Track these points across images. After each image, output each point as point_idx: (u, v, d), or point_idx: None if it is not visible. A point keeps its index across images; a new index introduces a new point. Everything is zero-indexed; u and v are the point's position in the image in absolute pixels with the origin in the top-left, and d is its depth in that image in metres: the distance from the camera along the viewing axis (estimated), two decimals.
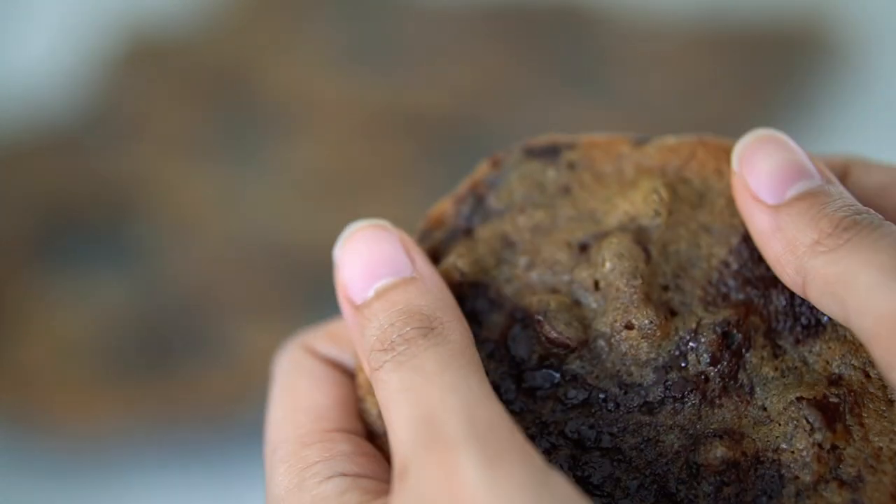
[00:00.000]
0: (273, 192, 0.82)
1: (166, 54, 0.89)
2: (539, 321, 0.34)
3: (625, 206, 0.35)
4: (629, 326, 0.33)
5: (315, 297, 0.77)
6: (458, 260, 0.35)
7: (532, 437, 0.33)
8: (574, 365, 0.34)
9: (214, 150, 0.84)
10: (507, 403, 0.33)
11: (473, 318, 0.34)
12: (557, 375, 0.33)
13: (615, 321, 0.33)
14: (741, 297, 0.34)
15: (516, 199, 0.36)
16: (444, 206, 0.37)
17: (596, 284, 0.34)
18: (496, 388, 0.34)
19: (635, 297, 0.33)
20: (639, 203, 0.34)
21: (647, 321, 0.33)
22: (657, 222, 0.34)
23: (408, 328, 0.31)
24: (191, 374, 0.73)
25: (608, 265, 0.34)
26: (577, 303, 0.34)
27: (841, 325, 0.33)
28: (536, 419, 0.33)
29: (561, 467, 0.33)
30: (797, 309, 0.34)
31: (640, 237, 0.34)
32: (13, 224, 0.80)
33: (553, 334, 0.33)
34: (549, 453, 0.33)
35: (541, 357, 0.34)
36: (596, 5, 0.92)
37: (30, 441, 0.71)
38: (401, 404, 0.30)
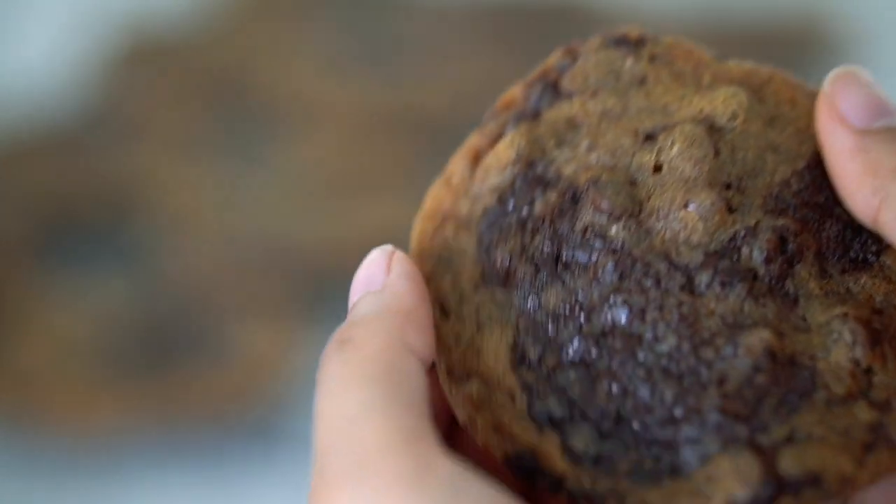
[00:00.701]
0: (273, 191, 0.82)
1: (166, 54, 0.90)
2: (589, 189, 0.34)
3: (701, 104, 0.35)
4: (687, 205, 0.33)
5: (315, 296, 0.77)
6: (516, 138, 0.35)
7: (567, 318, 0.33)
8: (620, 237, 0.34)
9: (215, 150, 0.84)
10: (543, 284, 0.34)
11: (526, 196, 0.35)
12: (600, 246, 0.34)
13: (674, 199, 0.33)
14: (798, 215, 0.34)
15: (589, 84, 0.36)
16: (514, 92, 0.37)
17: (657, 167, 0.34)
18: (535, 268, 0.34)
19: (700, 179, 0.34)
20: (717, 103, 0.35)
21: (708, 202, 0.33)
22: (732, 125, 0.35)
23: (334, 341, 0.31)
24: (191, 374, 0.73)
25: (676, 148, 0.34)
26: (632, 181, 0.34)
27: (887, 267, 0.34)
28: (572, 295, 0.34)
29: (596, 343, 0.33)
30: (848, 242, 0.34)
31: (713, 134, 0.34)
32: (13, 224, 0.80)
33: (602, 202, 0.34)
34: (581, 329, 0.33)
35: (586, 228, 0.34)
36: (596, 5, 0.92)
37: (30, 441, 0.71)
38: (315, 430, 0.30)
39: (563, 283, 0.34)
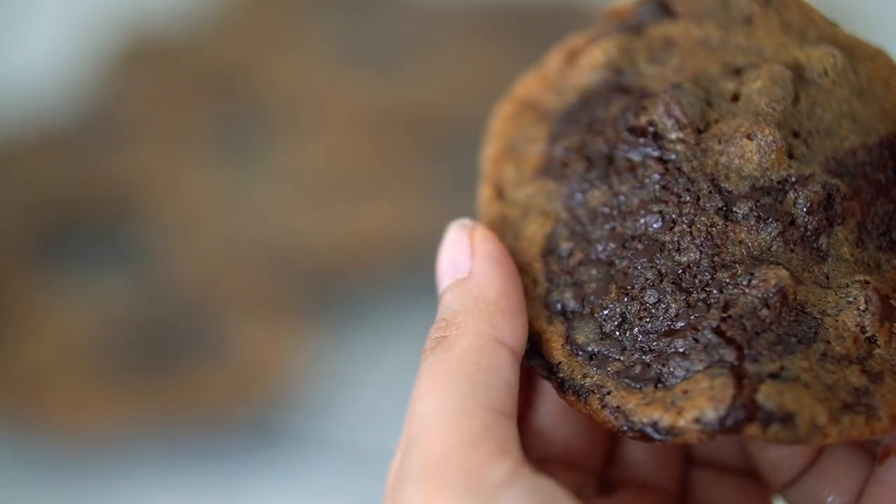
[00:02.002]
0: (274, 191, 0.82)
1: (166, 54, 0.90)
2: (666, 90, 0.34)
3: (797, 55, 0.35)
4: (750, 137, 0.34)
5: (315, 296, 0.77)
6: (610, 45, 0.36)
7: (605, 217, 0.35)
8: (677, 148, 0.34)
9: (215, 150, 0.84)
10: (591, 182, 0.35)
11: (605, 100, 0.36)
12: (655, 151, 0.34)
13: (740, 126, 0.34)
14: (853, 184, 0.34)
15: (699, 10, 0.37)
16: (627, 4, 0.38)
17: (735, 96, 0.35)
18: (588, 166, 0.35)
19: (770, 117, 0.34)
20: (813, 57, 0.35)
21: (770, 139, 0.34)
22: (821, 81, 0.35)
23: (429, 338, 0.33)
24: (191, 373, 0.73)
25: (759, 83, 0.35)
26: (708, 102, 0.35)
27: None
28: (615, 198, 0.35)
29: (623, 245, 0.34)
30: (891, 223, 0.35)
31: (800, 83, 0.35)
32: (14, 224, 0.80)
33: (674, 107, 0.34)
34: (615, 230, 0.34)
35: (647, 124, 0.34)
36: (595, 5, 0.92)
37: (30, 441, 0.71)
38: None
39: (610, 184, 0.35)
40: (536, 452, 0.36)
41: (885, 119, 0.35)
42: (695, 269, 0.33)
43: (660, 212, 0.34)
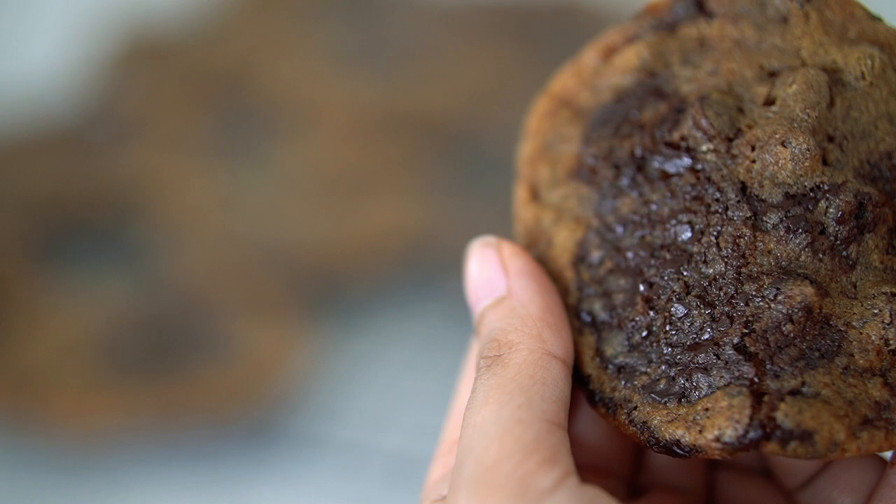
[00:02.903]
0: (274, 191, 0.82)
1: (166, 54, 0.89)
2: (695, 104, 0.34)
3: (835, 56, 0.35)
4: (784, 144, 0.34)
5: (316, 296, 0.77)
6: (644, 48, 0.36)
7: (635, 226, 0.35)
8: (708, 158, 0.34)
9: (215, 150, 0.84)
10: (621, 190, 0.35)
11: (638, 103, 0.36)
12: (688, 161, 0.34)
13: (774, 133, 0.34)
14: (887, 188, 0.34)
15: (735, 9, 0.37)
16: (663, 0, 0.38)
17: (769, 101, 0.35)
18: (616, 173, 0.35)
19: (805, 123, 0.34)
20: (851, 59, 0.35)
21: (805, 147, 0.33)
22: (858, 84, 0.35)
23: (483, 356, 0.34)
24: (192, 374, 0.73)
25: (794, 88, 0.34)
26: (740, 109, 0.35)
27: None
28: (646, 206, 0.35)
29: (652, 255, 0.34)
30: None
31: (836, 86, 0.35)
32: (15, 223, 0.80)
33: (702, 120, 0.34)
34: (644, 238, 0.34)
35: (679, 140, 0.34)
36: (596, 5, 0.92)
37: (30, 441, 0.71)
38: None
39: (640, 192, 0.35)
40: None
41: None
42: (721, 281, 0.33)
43: (689, 221, 0.34)
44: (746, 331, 0.33)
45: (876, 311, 0.33)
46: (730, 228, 0.34)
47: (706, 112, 0.34)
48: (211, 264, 0.78)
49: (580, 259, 0.36)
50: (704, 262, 0.34)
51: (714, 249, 0.34)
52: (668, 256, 0.34)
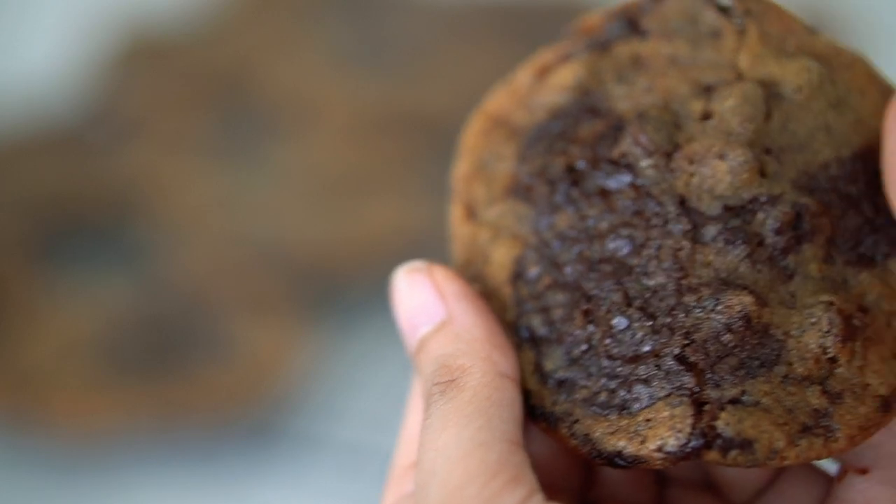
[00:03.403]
0: (274, 191, 0.82)
1: (166, 54, 0.89)
2: (633, 122, 0.35)
3: (773, 69, 0.35)
4: (721, 157, 0.34)
5: (315, 296, 0.77)
6: (578, 66, 0.37)
7: (572, 241, 0.35)
8: (647, 172, 0.34)
9: (215, 150, 0.84)
10: (557, 205, 0.35)
11: (573, 121, 0.36)
12: (628, 178, 0.35)
13: (711, 147, 0.34)
14: (825, 199, 0.34)
15: (667, 27, 0.37)
16: (595, 19, 0.38)
17: (705, 115, 0.35)
18: (551, 189, 0.35)
19: (741, 136, 0.34)
20: (789, 72, 0.35)
21: (742, 159, 0.34)
22: (795, 97, 0.35)
23: (434, 384, 0.33)
24: (192, 374, 0.73)
25: (731, 102, 0.34)
26: (677, 125, 0.35)
27: (890, 271, 0.34)
28: (583, 221, 0.35)
29: (591, 269, 0.34)
30: (862, 237, 0.34)
31: (772, 100, 0.35)
32: (14, 224, 0.80)
33: (641, 136, 0.34)
34: (582, 254, 0.35)
35: (619, 157, 0.35)
36: (596, 5, 0.92)
37: (30, 441, 0.71)
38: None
39: (577, 207, 0.35)
40: None
41: (861, 130, 0.35)
42: (662, 292, 0.33)
43: (629, 235, 0.34)
44: (687, 342, 0.33)
45: (814, 319, 0.33)
46: (670, 241, 0.34)
47: (645, 128, 0.34)
48: (211, 264, 0.78)
49: (518, 275, 0.35)
50: (645, 274, 0.34)
51: (655, 262, 0.34)
52: (607, 269, 0.34)
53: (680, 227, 0.34)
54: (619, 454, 0.33)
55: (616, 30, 0.37)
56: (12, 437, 0.72)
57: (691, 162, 0.34)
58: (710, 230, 0.34)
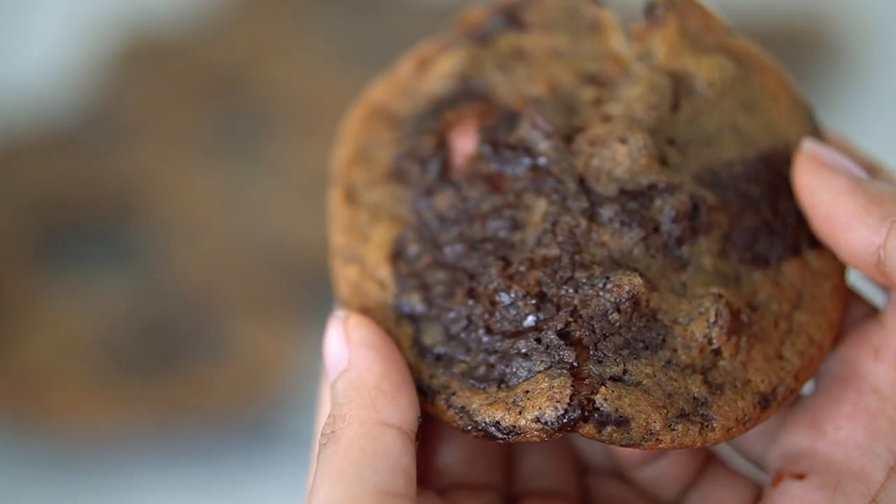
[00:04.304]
0: (274, 191, 0.82)
1: (166, 54, 0.89)
2: (527, 107, 0.35)
3: (688, 62, 0.36)
4: (622, 141, 0.34)
5: (315, 296, 0.77)
6: (459, 55, 0.37)
7: (453, 222, 0.35)
8: (548, 153, 0.35)
9: (215, 150, 0.84)
10: (434, 186, 0.36)
11: (451, 106, 0.37)
12: (527, 161, 0.35)
13: (614, 130, 0.34)
14: (725, 195, 0.35)
15: (548, 20, 0.37)
16: (476, 13, 0.39)
17: (597, 101, 0.35)
18: (422, 164, 0.36)
19: (644, 123, 0.35)
20: (703, 67, 0.36)
21: (642, 144, 0.34)
22: (707, 92, 0.36)
23: (322, 434, 0.34)
24: (191, 373, 0.73)
25: (638, 90, 0.35)
26: (571, 109, 0.36)
27: (783, 274, 0.35)
28: (464, 202, 0.35)
29: (473, 248, 0.35)
30: (759, 238, 0.35)
31: (683, 93, 0.35)
32: (14, 224, 0.80)
33: (538, 119, 0.35)
34: (463, 234, 0.35)
35: (517, 141, 0.35)
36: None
37: (30, 441, 0.71)
38: None
39: (457, 188, 0.36)
40: (441, 483, 0.37)
41: (768, 133, 0.36)
42: (555, 265, 0.34)
43: (511, 217, 0.35)
44: (572, 318, 0.33)
45: (702, 309, 0.33)
46: (567, 217, 0.34)
47: (542, 111, 0.35)
48: (211, 264, 0.78)
49: (397, 254, 0.36)
50: (539, 244, 0.34)
51: (550, 235, 0.34)
52: (489, 248, 0.34)
53: (578, 204, 0.34)
54: (496, 425, 0.33)
55: (497, 23, 0.38)
56: (12, 437, 0.72)
57: (593, 144, 0.35)
58: (608, 211, 0.34)
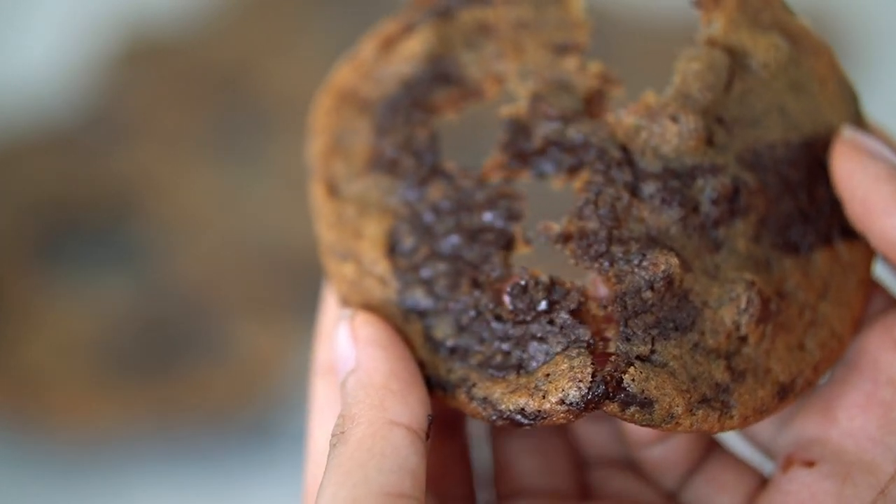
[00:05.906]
0: (273, 191, 0.82)
1: (166, 54, 0.89)
2: (531, 105, 0.35)
3: (744, 38, 0.35)
4: (674, 119, 0.34)
5: (315, 297, 0.77)
6: (427, 33, 0.37)
7: (447, 214, 0.35)
8: (581, 128, 0.34)
9: (215, 150, 0.84)
10: (426, 177, 0.36)
11: (426, 89, 0.36)
12: (558, 154, 0.35)
13: (667, 106, 0.34)
14: (765, 178, 0.34)
15: None
16: None
17: (581, 68, 0.35)
18: (417, 157, 0.36)
19: (698, 103, 0.34)
20: (759, 45, 0.35)
21: (693, 127, 0.34)
22: (760, 72, 0.35)
23: (333, 434, 0.33)
24: (191, 373, 0.73)
25: (696, 65, 0.35)
26: (565, 87, 0.35)
27: (812, 263, 0.34)
28: (457, 192, 0.35)
29: (472, 238, 0.34)
30: (792, 224, 0.35)
31: (738, 69, 0.35)
32: (13, 224, 0.80)
33: (549, 110, 0.35)
34: (460, 224, 0.35)
35: (545, 141, 0.35)
36: (596, 4, 0.92)
37: (30, 441, 0.71)
38: None
39: (450, 179, 0.35)
40: (436, 490, 0.36)
41: (812, 118, 0.35)
42: (591, 238, 0.33)
43: (507, 206, 0.34)
44: (584, 298, 0.33)
45: (734, 295, 0.33)
46: (611, 190, 0.34)
47: (549, 101, 0.35)
48: (210, 264, 0.78)
49: (392, 248, 0.35)
50: (580, 217, 0.34)
51: (591, 207, 0.34)
52: (490, 237, 0.34)
53: (622, 176, 0.34)
54: (521, 412, 0.32)
55: None
56: (12, 437, 0.72)
57: (642, 116, 0.34)
58: (650, 187, 0.34)
